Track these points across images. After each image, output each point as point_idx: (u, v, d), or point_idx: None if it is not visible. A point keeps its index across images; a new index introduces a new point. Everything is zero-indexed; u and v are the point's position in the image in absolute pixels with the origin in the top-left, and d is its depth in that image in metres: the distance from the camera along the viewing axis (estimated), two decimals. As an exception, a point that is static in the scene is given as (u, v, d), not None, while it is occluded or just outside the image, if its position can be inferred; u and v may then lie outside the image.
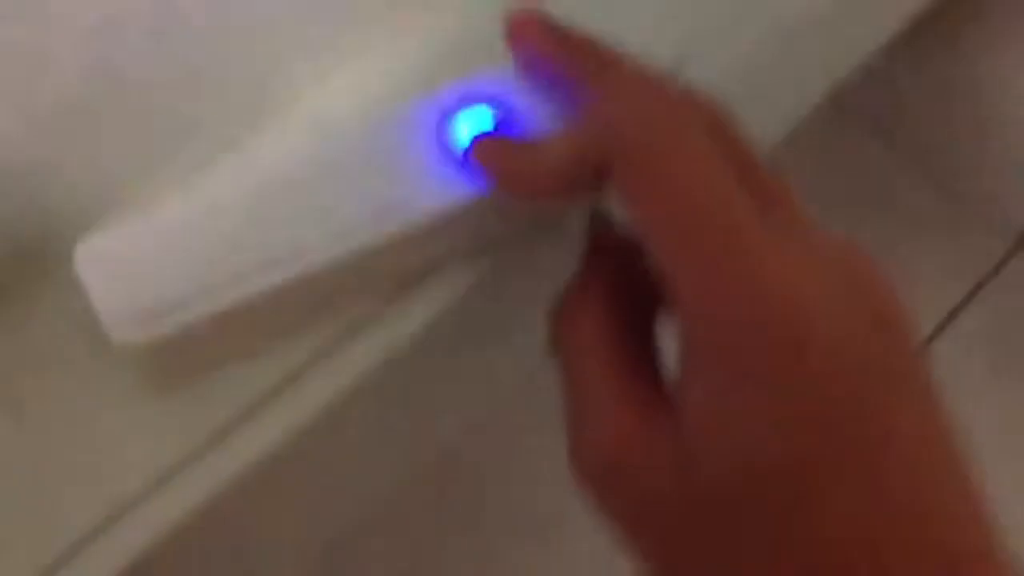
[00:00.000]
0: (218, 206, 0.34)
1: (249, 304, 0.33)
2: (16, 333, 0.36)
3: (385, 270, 0.37)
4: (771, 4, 0.44)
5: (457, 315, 0.38)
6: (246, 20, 0.41)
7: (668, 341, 0.31)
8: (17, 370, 0.35)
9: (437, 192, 0.35)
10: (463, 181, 0.35)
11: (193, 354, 0.35)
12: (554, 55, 0.34)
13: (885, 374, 0.28)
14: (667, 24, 0.43)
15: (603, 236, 0.35)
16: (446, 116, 0.36)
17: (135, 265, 0.33)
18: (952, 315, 1.01)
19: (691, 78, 0.38)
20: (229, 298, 0.33)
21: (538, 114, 0.35)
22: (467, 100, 0.36)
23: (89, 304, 0.32)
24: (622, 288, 0.33)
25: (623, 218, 0.33)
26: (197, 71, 0.40)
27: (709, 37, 0.43)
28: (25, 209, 0.38)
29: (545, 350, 0.34)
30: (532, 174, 0.33)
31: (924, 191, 1.05)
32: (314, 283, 0.34)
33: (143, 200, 0.37)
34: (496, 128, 0.35)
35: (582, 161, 0.31)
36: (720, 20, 0.43)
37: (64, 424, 0.34)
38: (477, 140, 0.35)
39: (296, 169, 0.35)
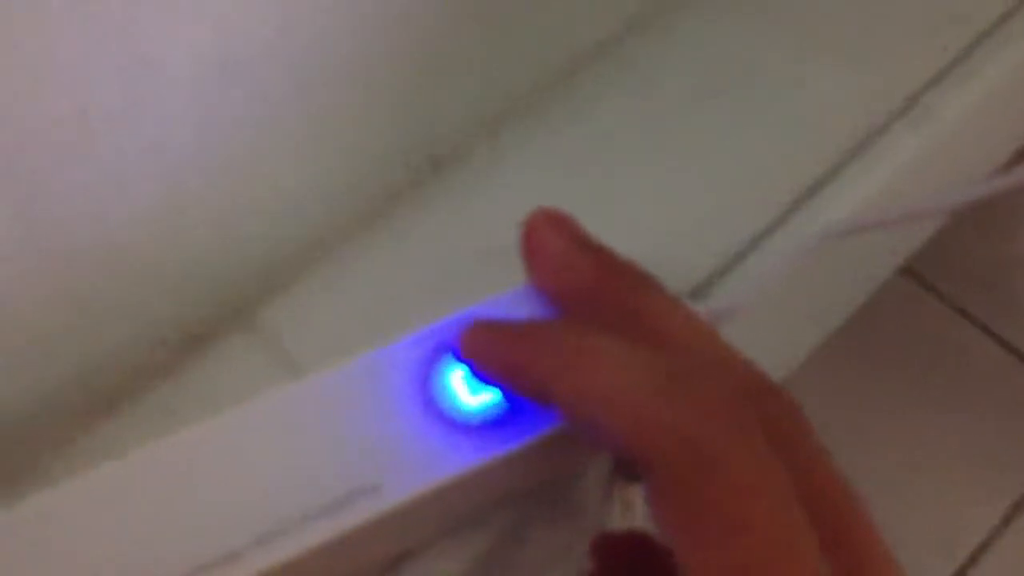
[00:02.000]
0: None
1: None
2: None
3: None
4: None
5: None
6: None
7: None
8: None
9: (419, 467, 0.28)
10: (457, 448, 0.28)
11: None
12: (583, 266, 0.28)
13: None
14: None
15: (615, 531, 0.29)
16: (431, 363, 0.29)
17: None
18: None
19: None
20: None
21: None
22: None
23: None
24: None
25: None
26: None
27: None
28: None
29: None
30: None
31: (999, 360, 0.99)
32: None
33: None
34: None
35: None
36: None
37: None
38: (464, 336, 0.28)
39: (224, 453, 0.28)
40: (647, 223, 0.38)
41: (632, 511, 0.32)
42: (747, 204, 0.38)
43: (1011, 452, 0.94)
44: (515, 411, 0.29)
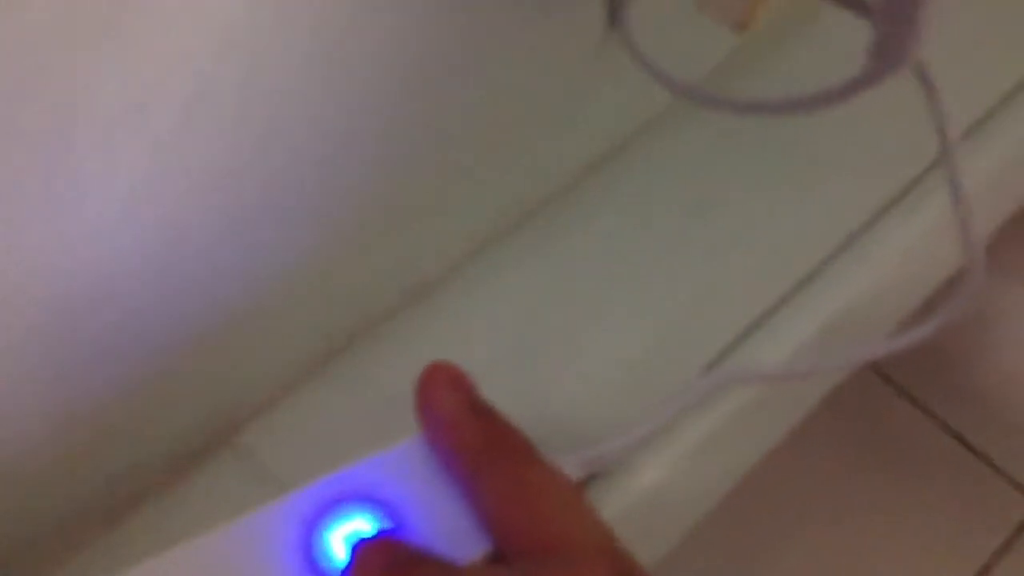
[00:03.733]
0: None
1: None
2: None
3: None
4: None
5: None
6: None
7: None
8: None
9: None
10: None
11: None
12: (466, 433, 0.30)
13: None
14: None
15: None
16: (315, 522, 0.31)
17: None
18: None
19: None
20: None
21: (435, 525, 0.31)
22: (345, 499, 0.31)
23: None
24: None
25: None
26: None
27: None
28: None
29: None
30: None
31: (947, 446, 1.01)
32: None
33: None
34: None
35: None
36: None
37: None
38: (361, 548, 0.29)
39: None
40: (592, 354, 0.41)
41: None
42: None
43: (963, 540, 0.97)
44: None
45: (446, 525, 0.32)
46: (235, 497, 0.38)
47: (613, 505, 0.38)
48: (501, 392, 0.39)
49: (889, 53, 0.33)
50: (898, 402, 1.02)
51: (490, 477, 0.30)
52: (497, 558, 0.30)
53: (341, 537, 0.31)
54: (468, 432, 0.31)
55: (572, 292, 0.43)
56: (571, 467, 0.36)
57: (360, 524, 0.31)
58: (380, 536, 0.30)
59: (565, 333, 0.42)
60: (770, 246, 0.44)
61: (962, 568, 0.95)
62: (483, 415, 0.31)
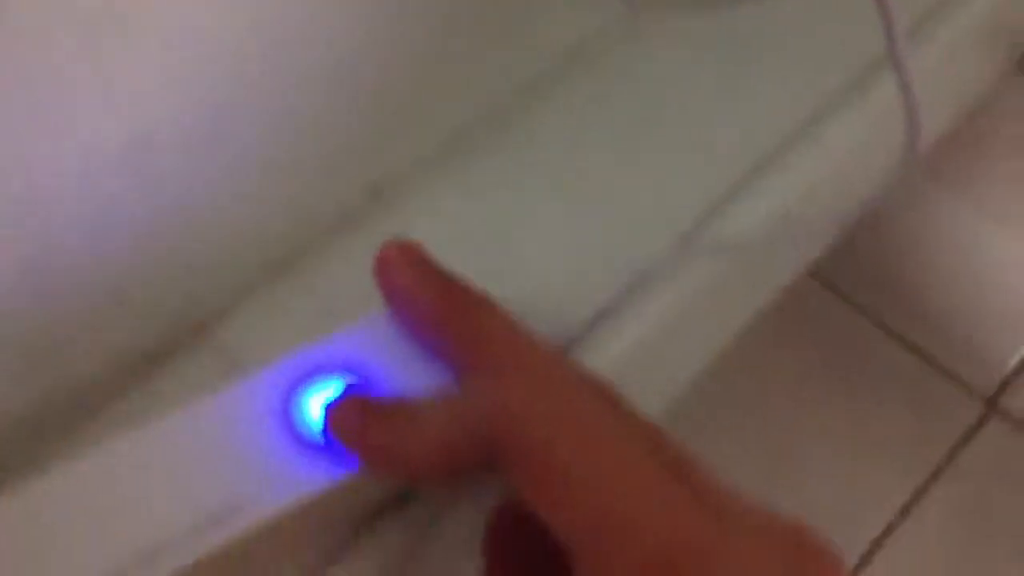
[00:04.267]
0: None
1: None
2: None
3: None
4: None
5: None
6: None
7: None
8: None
9: (285, 484, 0.31)
10: (320, 466, 0.31)
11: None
12: (426, 297, 0.32)
13: None
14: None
15: (503, 522, 0.32)
16: (293, 391, 0.32)
17: None
18: (922, 489, 0.98)
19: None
20: None
21: (405, 385, 0.32)
22: (318, 370, 0.33)
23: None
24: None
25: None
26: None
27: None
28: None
29: None
30: (407, 452, 0.29)
31: (896, 353, 1.03)
32: None
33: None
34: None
35: (469, 439, 0.29)
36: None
37: None
38: (333, 408, 0.31)
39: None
40: (546, 251, 0.43)
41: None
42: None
43: (914, 444, 0.99)
44: None
45: (418, 387, 0.33)
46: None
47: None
48: (470, 273, 0.40)
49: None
50: (845, 311, 1.05)
51: (458, 337, 0.31)
52: None
53: (319, 404, 0.32)
54: (428, 300, 0.32)
55: (535, 185, 0.44)
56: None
57: (335, 389, 0.33)
58: (348, 394, 0.31)
59: (532, 219, 0.43)
60: (727, 135, 0.45)
61: (915, 469, 0.98)
62: (441, 282, 0.32)
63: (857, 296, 1.05)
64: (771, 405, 0.98)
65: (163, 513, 0.31)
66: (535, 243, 0.42)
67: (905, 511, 0.96)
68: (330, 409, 0.31)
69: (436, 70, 0.43)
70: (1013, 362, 1.04)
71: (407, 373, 0.33)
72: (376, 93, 0.41)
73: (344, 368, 0.33)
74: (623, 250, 0.42)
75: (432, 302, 0.32)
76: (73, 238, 0.35)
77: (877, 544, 0.94)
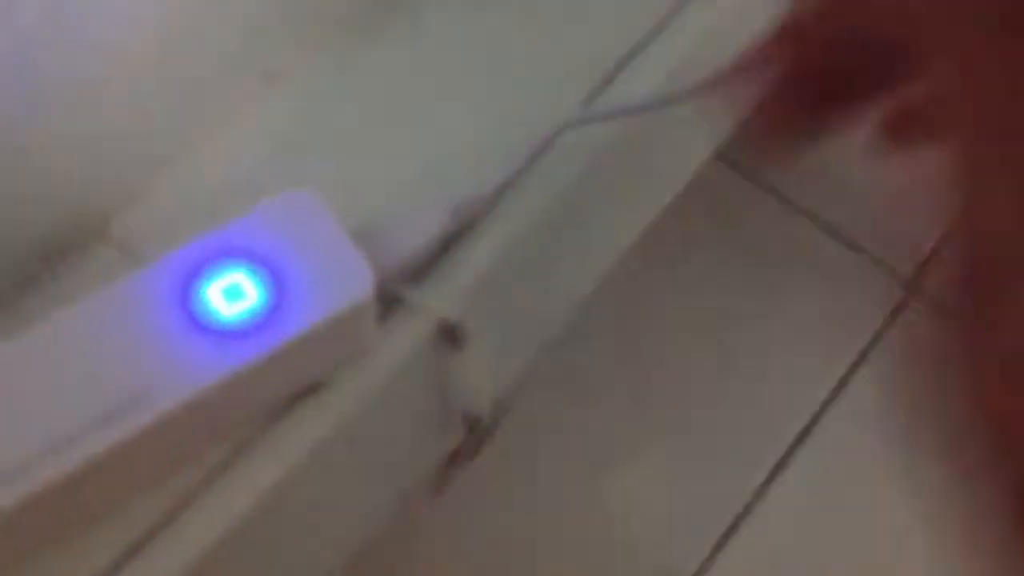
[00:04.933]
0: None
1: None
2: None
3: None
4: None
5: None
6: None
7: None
8: None
9: (183, 376, 0.31)
10: (221, 354, 0.31)
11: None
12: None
13: None
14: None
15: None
16: (192, 279, 0.32)
17: None
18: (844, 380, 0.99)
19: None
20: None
21: (303, 269, 0.32)
22: (217, 256, 0.32)
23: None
24: None
25: None
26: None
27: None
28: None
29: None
30: None
31: (814, 237, 1.03)
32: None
33: None
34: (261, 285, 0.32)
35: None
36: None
37: None
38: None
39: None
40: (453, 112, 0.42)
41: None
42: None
43: (836, 328, 1.00)
44: (270, 318, 0.32)
45: (327, 266, 0.32)
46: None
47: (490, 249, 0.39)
48: (375, 152, 0.39)
49: None
50: (759, 195, 1.05)
51: None
52: None
53: (219, 290, 0.32)
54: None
55: (430, 63, 0.43)
56: (443, 214, 0.37)
57: (237, 277, 0.32)
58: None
59: (425, 98, 0.42)
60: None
61: (840, 353, 0.99)
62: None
63: (769, 179, 1.04)
64: (697, 293, 0.98)
65: (70, 405, 0.30)
66: (438, 115, 0.41)
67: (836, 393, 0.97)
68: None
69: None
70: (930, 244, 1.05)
71: (312, 256, 0.33)
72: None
73: (247, 254, 0.33)
74: (518, 127, 0.41)
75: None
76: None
77: (805, 432, 0.95)
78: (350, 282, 0.33)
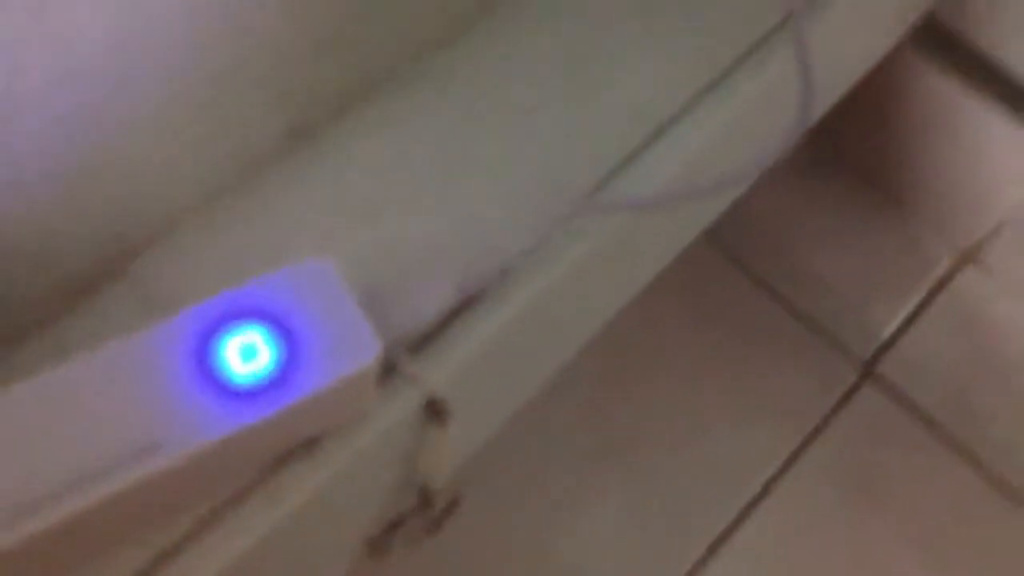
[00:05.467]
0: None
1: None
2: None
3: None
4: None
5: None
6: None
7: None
8: None
9: (195, 429, 0.32)
10: (232, 411, 0.33)
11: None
12: None
13: None
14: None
15: None
16: (209, 335, 0.33)
17: None
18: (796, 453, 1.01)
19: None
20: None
21: (321, 334, 0.34)
22: (236, 315, 0.34)
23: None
24: None
25: None
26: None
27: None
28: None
29: None
30: None
31: (776, 310, 1.06)
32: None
33: None
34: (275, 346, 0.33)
35: None
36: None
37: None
38: None
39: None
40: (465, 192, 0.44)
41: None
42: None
43: (795, 403, 1.03)
44: (281, 379, 0.34)
45: (338, 333, 0.34)
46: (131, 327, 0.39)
47: (488, 329, 0.40)
48: (387, 224, 0.41)
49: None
50: (731, 272, 1.07)
51: None
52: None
53: (236, 347, 0.33)
54: None
55: (451, 137, 0.45)
56: (448, 289, 0.39)
57: (254, 336, 0.34)
58: None
59: (444, 173, 0.44)
60: (633, 94, 0.46)
61: (793, 429, 1.01)
62: None
63: (743, 258, 1.07)
64: (665, 362, 1.00)
65: (83, 448, 0.32)
66: (442, 194, 0.43)
67: (784, 470, 0.99)
68: None
69: (349, 25, 0.44)
70: (890, 329, 1.08)
71: (324, 322, 0.34)
72: (289, 37, 0.42)
73: (264, 314, 0.34)
74: (529, 206, 0.43)
75: None
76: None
77: (754, 504, 0.97)
78: (358, 351, 0.35)
